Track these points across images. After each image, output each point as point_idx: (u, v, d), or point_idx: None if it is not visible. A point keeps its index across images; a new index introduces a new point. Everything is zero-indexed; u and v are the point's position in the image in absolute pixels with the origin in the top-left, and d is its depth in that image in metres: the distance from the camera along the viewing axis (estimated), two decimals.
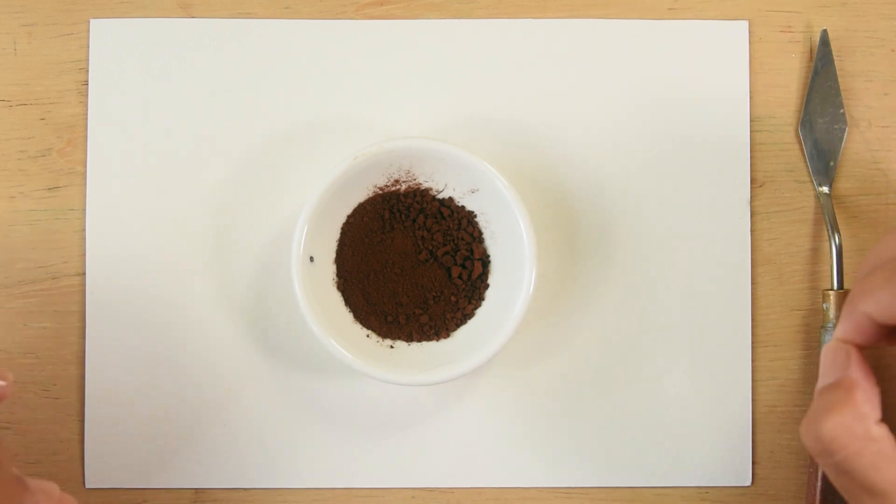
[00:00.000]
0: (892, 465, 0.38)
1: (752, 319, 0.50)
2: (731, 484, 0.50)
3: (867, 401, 0.38)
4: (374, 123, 0.51)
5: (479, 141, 0.50)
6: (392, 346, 0.49)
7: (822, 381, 0.40)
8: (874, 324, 0.39)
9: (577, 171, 0.51)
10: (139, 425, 0.50)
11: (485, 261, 0.49)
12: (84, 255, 0.50)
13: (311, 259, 0.47)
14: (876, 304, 0.38)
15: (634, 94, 0.51)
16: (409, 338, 0.49)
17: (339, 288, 0.49)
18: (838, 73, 0.50)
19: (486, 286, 0.49)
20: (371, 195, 0.49)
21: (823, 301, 0.49)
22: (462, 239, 0.49)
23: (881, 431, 0.38)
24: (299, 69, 0.51)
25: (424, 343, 0.49)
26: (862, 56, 0.51)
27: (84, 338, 0.50)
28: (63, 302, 0.50)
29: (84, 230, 0.50)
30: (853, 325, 0.39)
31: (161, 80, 0.51)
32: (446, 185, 0.49)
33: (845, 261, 0.50)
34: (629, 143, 0.51)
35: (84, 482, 0.50)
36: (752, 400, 0.50)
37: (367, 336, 0.49)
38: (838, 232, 0.49)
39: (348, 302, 0.49)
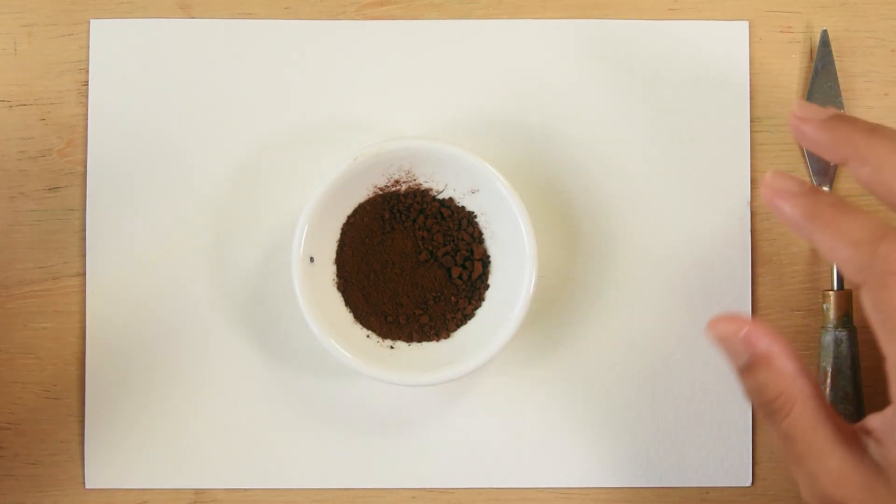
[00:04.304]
0: (827, 425, 0.39)
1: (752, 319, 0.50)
2: (731, 484, 0.50)
3: (787, 359, 0.40)
4: (374, 123, 0.51)
5: (479, 141, 0.50)
6: (392, 347, 0.49)
7: (734, 364, 0.41)
8: (841, 162, 0.40)
9: (578, 171, 0.51)
10: (139, 425, 0.50)
11: (485, 261, 0.49)
12: (84, 255, 0.50)
13: (312, 259, 0.47)
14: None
15: (634, 95, 0.51)
16: (409, 338, 0.49)
17: (339, 288, 0.49)
18: (838, 73, 0.50)
19: (486, 286, 0.49)
20: (371, 195, 0.49)
21: (823, 301, 0.49)
22: (462, 239, 0.49)
23: (811, 387, 0.40)
24: (299, 69, 0.51)
25: (424, 343, 0.49)
26: (862, 56, 0.51)
27: (84, 338, 0.50)
28: (63, 302, 0.50)
29: (84, 230, 0.50)
30: (829, 147, 0.40)
31: (161, 80, 0.51)
32: (446, 185, 0.49)
33: None
34: (629, 143, 0.51)
35: (84, 482, 0.50)
36: None
37: (368, 336, 0.49)
38: None
39: (348, 302, 0.49)
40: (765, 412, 0.40)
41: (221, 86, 0.51)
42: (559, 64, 0.51)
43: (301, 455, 0.50)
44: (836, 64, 0.50)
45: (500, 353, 0.47)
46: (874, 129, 0.39)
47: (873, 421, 0.40)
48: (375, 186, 0.49)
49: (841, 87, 0.50)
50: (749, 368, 0.40)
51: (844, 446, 0.39)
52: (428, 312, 0.49)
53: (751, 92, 0.51)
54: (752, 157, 0.51)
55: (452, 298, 0.49)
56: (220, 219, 0.50)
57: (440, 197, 0.49)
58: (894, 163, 0.37)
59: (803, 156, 0.51)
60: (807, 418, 0.39)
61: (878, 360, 0.50)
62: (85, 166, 0.50)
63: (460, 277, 0.49)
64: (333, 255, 0.49)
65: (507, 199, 0.47)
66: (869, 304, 0.37)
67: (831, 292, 0.49)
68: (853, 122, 0.39)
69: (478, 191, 0.48)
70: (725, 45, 0.51)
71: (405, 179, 0.49)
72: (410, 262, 0.49)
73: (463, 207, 0.49)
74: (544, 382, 0.50)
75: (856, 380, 0.49)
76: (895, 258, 0.36)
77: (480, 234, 0.49)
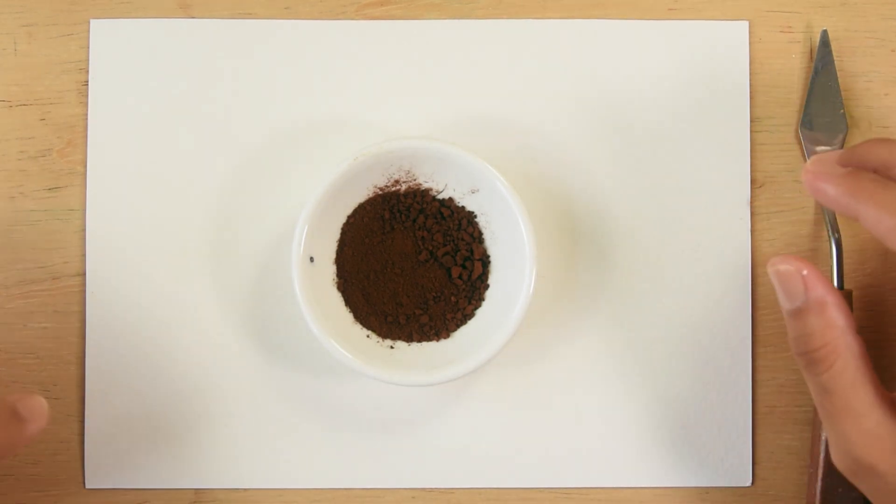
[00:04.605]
0: (868, 385, 0.40)
1: (752, 319, 0.50)
2: (731, 484, 0.50)
3: (840, 313, 0.40)
4: (374, 123, 0.51)
5: (479, 141, 0.50)
6: (392, 347, 0.49)
7: (787, 305, 0.41)
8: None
9: (577, 171, 0.51)
10: (139, 425, 0.50)
11: (485, 261, 0.49)
12: (84, 255, 0.50)
13: (311, 259, 0.47)
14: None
15: (634, 95, 0.51)
16: (409, 338, 0.49)
17: (339, 288, 0.49)
18: (838, 73, 0.50)
19: (486, 286, 0.49)
20: (371, 195, 0.49)
21: None
22: (462, 239, 0.49)
23: (857, 346, 0.40)
24: (299, 69, 0.51)
25: (424, 343, 0.49)
26: (862, 56, 0.51)
27: (84, 338, 0.50)
28: (63, 302, 0.50)
29: (84, 230, 0.50)
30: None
31: (161, 80, 0.51)
32: (446, 185, 0.49)
33: (845, 261, 0.50)
34: (629, 143, 0.51)
35: (84, 482, 0.50)
36: (752, 400, 0.50)
37: (368, 336, 0.49)
38: (838, 232, 0.49)
39: (348, 302, 0.49)
40: (806, 361, 0.40)
41: (221, 86, 0.51)
42: (559, 64, 0.51)
43: (301, 455, 0.50)
44: (836, 64, 0.50)
45: (499, 353, 0.47)
46: (886, 139, 0.41)
47: None
48: (375, 186, 0.49)
49: (841, 87, 0.50)
50: (800, 312, 0.40)
51: (882, 409, 0.39)
52: (428, 312, 0.49)
53: (751, 92, 0.51)
54: (752, 157, 0.51)
55: (452, 298, 0.49)
56: (221, 219, 0.50)
57: (440, 197, 0.49)
58: None
59: (803, 156, 0.51)
60: (848, 375, 0.39)
61: (879, 360, 0.51)
62: (85, 166, 0.50)
63: (460, 277, 0.49)
64: (333, 255, 0.49)
65: (507, 199, 0.47)
66: None
67: None
68: (865, 143, 0.41)
69: (478, 191, 0.48)
70: (725, 45, 0.51)
71: (405, 179, 0.49)
72: (410, 262, 0.49)
73: (463, 207, 0.49)
74: (544, 382, 0.50)
75: None
76: None
77: (480, 234, 0.49)
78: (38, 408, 0.42)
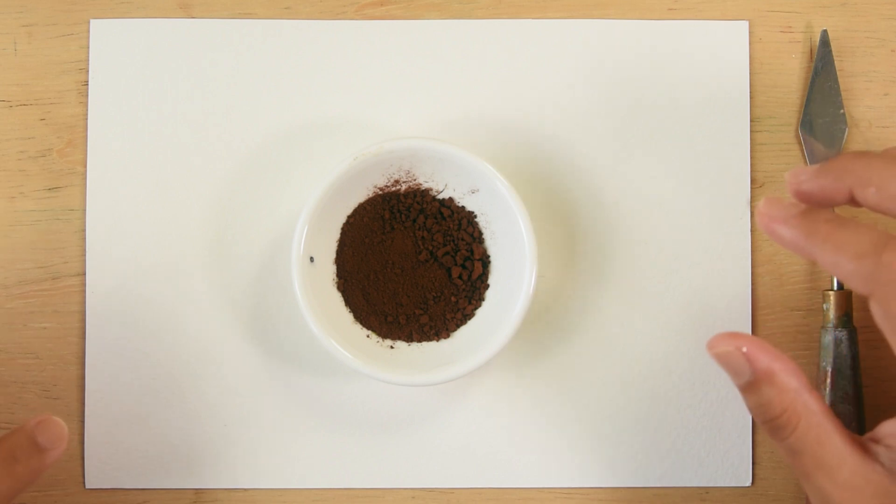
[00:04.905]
0: (834, 438, 0.39)
1: (752, 319, 0.50)
2: (731, 484, 0.50)
3: (790, 376, 0.40)
4: (374, 123, 0.51)
5: (479, 141, 0.50)
6: (392, 347, 0.49)
7: (737, 381, 0.41)
8: (848, 197, 0.39)
9: (577, 171, 0.51)
10: (139, 425, 0.50)
11: (485, 261, 0.49)
12: (84, 255, 0.50)
13: (311, 259, 0.47)
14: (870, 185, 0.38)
15: (634, 95, 0.51)
16: (409, 338, 0.49)
17: (339, 288, 0.49)
18: (838, 73, 0.50)
19: (486, 286, 0.49)
20: (371, 195, 0.49)
21: (823, 301, 0.49)
22: (462, 239, 0.49)
23: (815, 403, 0.39)
24: (299, 69, 0.51)
25: (424, 343, 0.49)
26: (862, 56, 0.51)
27: (84, 338, 0.50)
28: (63, 302, 0.50)
29: (84, 230, 0.50)
30: (831, 187, 0.39)
31: (161, 80, 0.51)
32: (446, 185, 0.49)
33: None
34: (629, 143, 0.51)
35: (84, 482, 0.50)
36: None
37: (368, 336, 0.49)
38: None
39: (348, 302, 0.49)
40: (770, 429, 0.40)
41: (221, 86, 0.51)
42: (559, 64, 0.51)
43: (301, 455, 0.50)
44: (836, 64, 0.50)
45: (499, 353, 0.47)
46: (864, 153, 0.39)
47: (886, 427, 0.39)
48: (375, 186, 0.49)
49: (841, 87, 0.50)
50: (752, 386, 0.40)
51: (854, 457, 0.39)
52: (428, 312, 0.49)
53: (751, 92, 0.51)
54: (752, 157, 0.51)
55: (452, 298, 0.49)
56: (220, 219, 0.50)
57: (440, 197, 0.49)
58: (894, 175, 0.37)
59: (803, 156, 0.51)
60: (813, 433, 0.39)
61: (879, 360, 0.50)
62: (85, 166, 0.50)
63: (460, 277, 0.49)
64: (333, 255, 0.49)
65: (507, 199, 0.47)
66: (879, 314, 0.37)
67: (831, 292, 0.49)
68: (842, 156, 0.40)
69: (478, 191, 0.48)
70: (725, 45, 0.51)
71: (405, 179, 0.49)
72: (410, 262, 0.49)
73: (463, 207, 0.49)
74: (544, 382, 0.50)
75: (856, 380, 0.49)
76: None
77: (480, 234, 0.49)
78: (57, 433, 0.42)
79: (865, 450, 0.39)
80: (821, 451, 0.39)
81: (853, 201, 0.39)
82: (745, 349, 0.40)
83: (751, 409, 0.41)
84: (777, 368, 0.40)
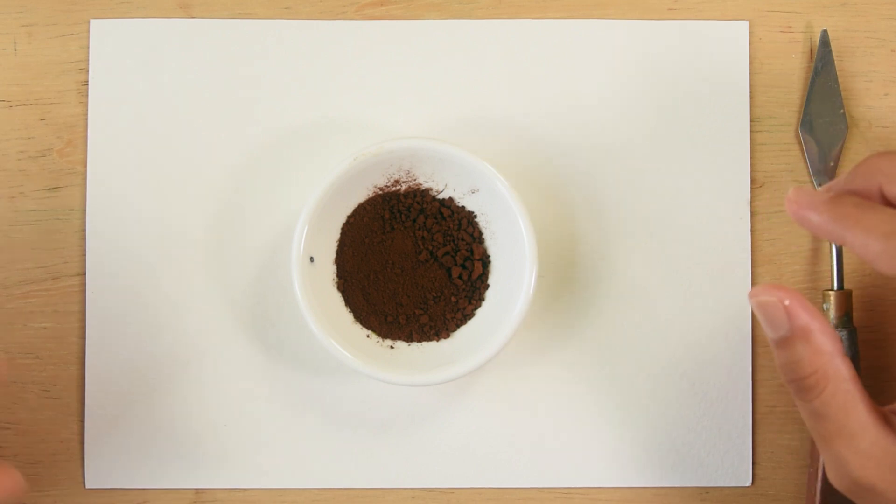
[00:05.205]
0: (860, 406, 0.39)
1: (753, 320, 0.50)
2: (731, 484, 0.50)
3: (826, 338, 0.40)
4: (374, 123, 0.51)
5: (479, 141, 0.50)
6: (392, 347, 0.49)
7: (772, 334, 0.41)
8: (878, 196, 0.40)
9: (577, 171, 0.51)
10: (139, 425, 0.50)
11: (485, 261, 0.49)
12: (84, 255, 0.50)
13: (311, 259, 0.47)
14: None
15: (634, 95, 0.51)
16: (409, 338, 0.49)
17: (339, 288, 0.49)
18: (838, 73, 0.50)
19: (486, 286, 0.49)
20: (371, 195, 0.49)
21: (823, 301, 0.49)
22: (462, 239, 0.49)
23: (846, 369, 0.40)
24: (299, 69, 0.51)
25: (424, 343, 0.49)
26: (862, 56, 0.51)
27: (84, 338, 0.50)
28: (63, 302, 0.50)
29: (84, 230, 0.50)
30: (862, 188, 0.40)
31: (161, 80, 0.51)
32: (446, 185, 0.49)
33: (845, 261, 0.50)
34: (629, 143, 0.51)
35: (84, 482, 0.50)
36: (752, 400, 0.50)
37: (367, 336, 0.49)
38: None
39: (348, 302, 0.49)
40: (796, 388, 0.40)
41: (221, 86, 0.51)
42: (559, 64, 0.51)
43: (301, 455, 0.50)
44: (836, 64, 0.50)
45: (499, 353, 0.47)
46: (890, 151, 0.40)
47: None
48: (375, 186, 0.49)
49: (841, 87, 0.50)
50: (786, 341, 0.40)
51: (876, 427, 0.39)
52: (428, 312, 0.49)
53: (751, 92, 0.51)
54: (752, 157, 0.51)
55: (452, 298, 0.49)
56: (220, 219, 0.50)
57: (440, 197, 0.49)
58: None
59: (803, 156, 0.51)
60: (840, 399, 0.39)
61: (879, 360, 0.51)
62: (85, 166, 0.50)
63: (460, 277, 0.49)
64: (333, 255, 0.49)
65: (507, 199, 0.47)
66: None
67: (831, 292, 0.49)
68: (868, 158, 0.40)
69: (478, 191, 0.48)
70: (725, 45, 0.51)
71: (405, 179, 0.49)
72: (410, 262, 0.49)
73: (463, 207, 0.49)
74: (544, 383, 0.50)
75: None
76: None
77: (480, 234, 0.49)
78: (10, 486, 0.40)
79: (888, 422, 0.39)
80: (844, 417, 0.39)
81: (884, 199, 0.39)
82: (787, 302, 0.40)
83: (780, 366, 0.40)
84: (815, 328, 0.40)
